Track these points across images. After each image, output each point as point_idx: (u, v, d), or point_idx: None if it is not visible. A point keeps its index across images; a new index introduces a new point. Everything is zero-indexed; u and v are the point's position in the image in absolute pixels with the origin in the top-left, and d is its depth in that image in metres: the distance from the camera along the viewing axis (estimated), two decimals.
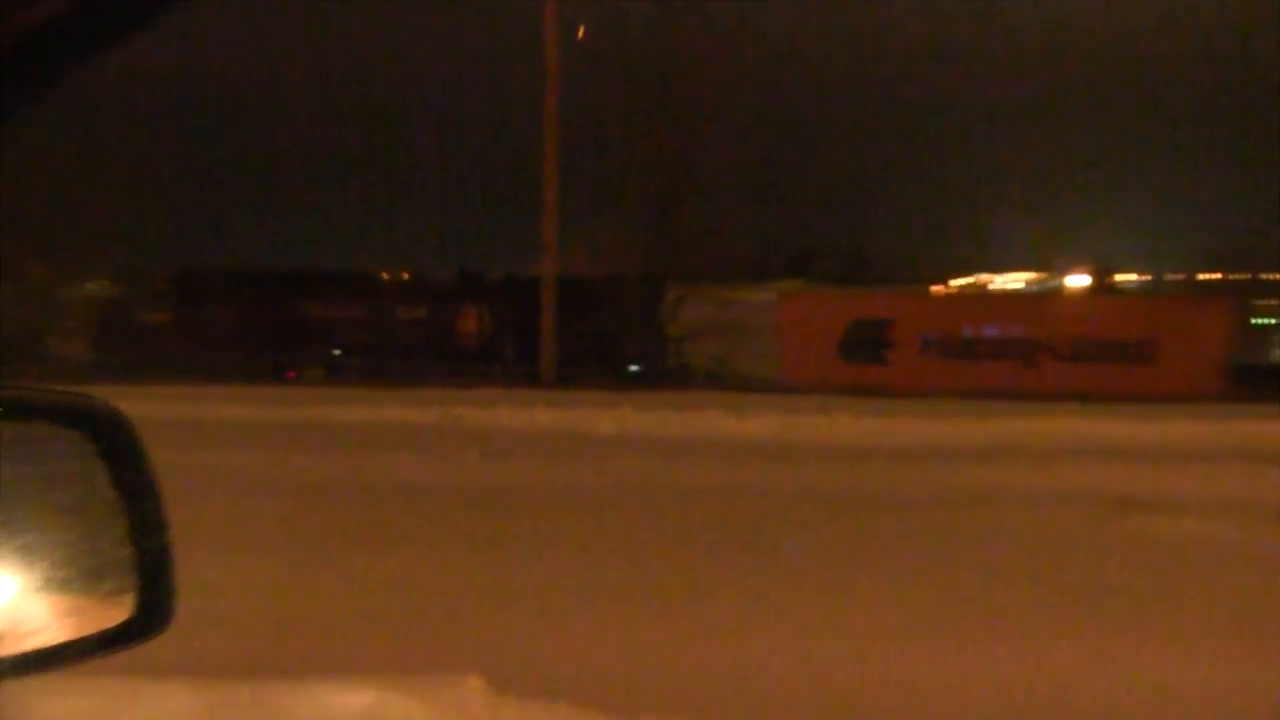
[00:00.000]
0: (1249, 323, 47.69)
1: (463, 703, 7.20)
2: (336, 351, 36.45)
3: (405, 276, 40.76)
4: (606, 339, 35.95)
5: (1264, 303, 51.61)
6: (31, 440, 1.87)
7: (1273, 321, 52.12)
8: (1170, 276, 62.74)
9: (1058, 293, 52.05)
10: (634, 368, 35.44)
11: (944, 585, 11.12)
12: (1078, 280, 55.74)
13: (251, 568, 10.28)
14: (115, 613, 1.74)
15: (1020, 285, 60.04)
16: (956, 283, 56.14)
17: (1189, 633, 9.46)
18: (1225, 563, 12.12)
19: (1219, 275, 59.03)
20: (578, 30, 37.76)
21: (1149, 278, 62.51)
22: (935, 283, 51.22)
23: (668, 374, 35.45)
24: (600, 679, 7.79)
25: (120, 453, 1.70)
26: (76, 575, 1.84)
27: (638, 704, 7.29)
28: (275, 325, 36.53)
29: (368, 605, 9.98)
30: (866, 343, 34.66)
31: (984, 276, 61.46)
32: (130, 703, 6.93)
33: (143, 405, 1.52)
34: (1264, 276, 56.23)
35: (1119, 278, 57.79)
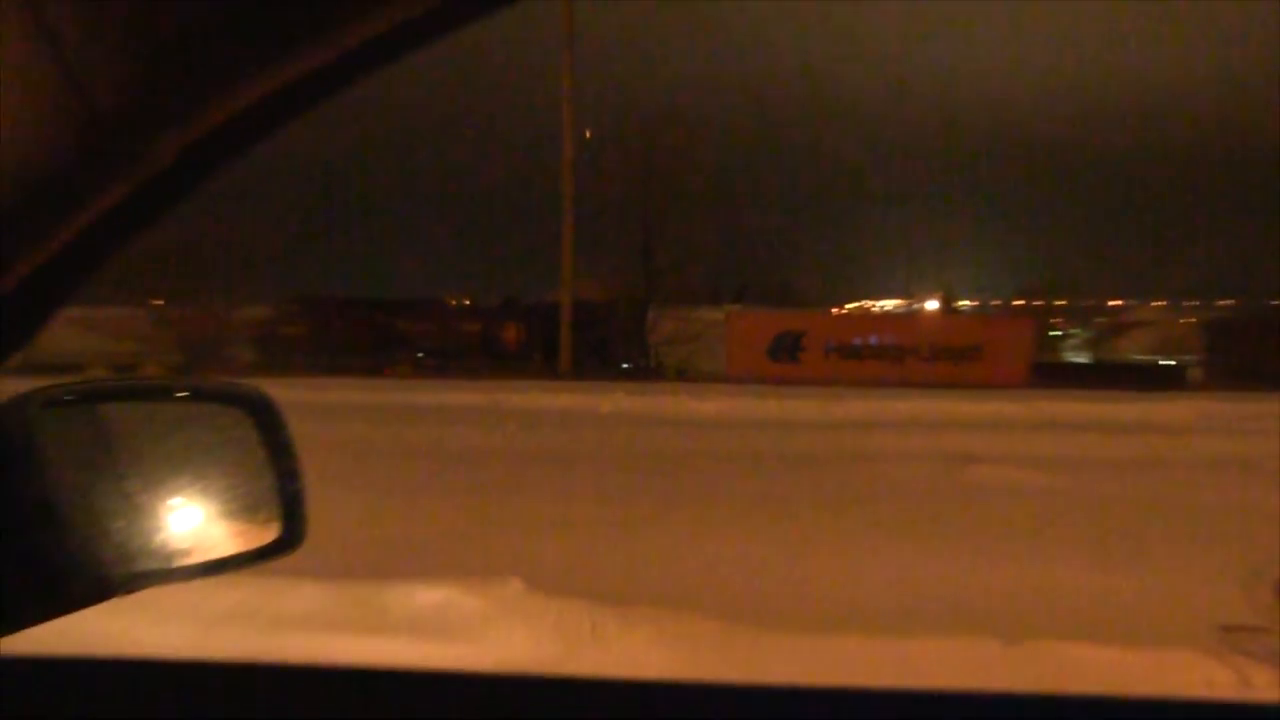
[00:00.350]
0: (1047, 333, 47.98)
1: (506, 598, 7.22)
2: (420, 354, 36.47)
3: (466, 301, 41.00)
4: (606, 345, 35.98)
5: (1055, 320, 52.34)
6: (208, 415, 1.90)
7: (1060, 333, 52.74)
8: (994, 301, 63.33)
9: (918, 313, 52.21)
10: (625, 365, 35.44)
11: (836, 515, 11.19)
12: (931, 304, 56.27)
13: (359, 504, 10.28)
14: (267, 534, 1.76)
15: (892, 307, 60.23)
16: (849, 306, 56.49)
17: (1002, 544, 9.52)
18: (1034, 497, 12.20)
19: (1025, 301, 59.71)
20: (585, 133, 37.95)
21: (979, 302, 62.97)
22: (834, 306, 51.72)
23: (649, 370, 35.59)
24: (600, 581, 7.80)
25: (268, 423, 1.73)
26: (240, 508, 1.86)
27: (628, 597, 7.31)
28: (375, 336, 36.53)
29: (438, 531, 9.99)
30: (787, 348, 34.88)
31: (868, 301, 61.77)
32: (276, 595, 6.97)
33: (284, 391, 1.54)
34: (1056, 303, 56.93)
35: (960, 302, 58.28)
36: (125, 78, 1.17)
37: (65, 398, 1.69)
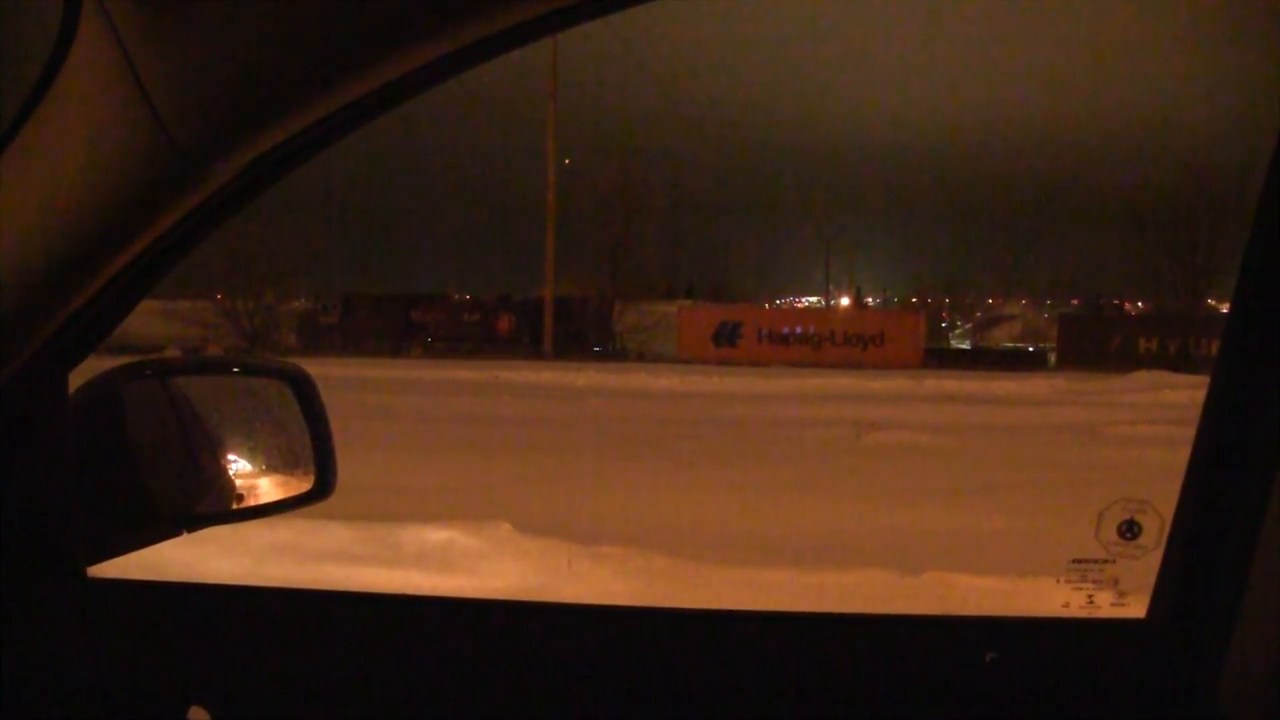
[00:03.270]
0: (939, 325, 48.31)
1: (499, 538, 7.21)
2: (429, 339, 36.39)
3: (468, 296, 40.91)
4: (581, 332, 35.98)
5: (943, 313, 52.77)
6: (257, 387, 1.90)
7: (947, 324, 53.04)
8: (894, 298, 63.67)
9: (834, 307, 52.38)
10: (596, 349, 35.45)
11: (762, 468, 11.22)
12: (844, 300, 56.44)
13: (377, 461, 10.23)
14: (304, 484, 1.76)
15: (813, 302, 60.42)
16: (779, 301, 56.71)
17: (897, 494, 9.57)
18: (924, 455, 12.27)
19: (919, 298, 60.04)
20: (565, 160, 38.02)
21: (882, 299, 63.26)
22: (766, 301, 51.91)
23: (615, 353, 35.64)
24: (574, 524, 7.79)
25: (305, 393, 1.73)
26: (283, 463, 1.86)
27: (597, 537, 7.32)
28: (394, 324, 36.48)
29: (442, 482, 9.96)
30: (728, 335, 34.93)
31: (793, 298, 62.01)
32: (311, 534, 6.93)
33: (319, 368, 1.53)
34: (944, 299, 57.21)
35: (867, 299, 58.55)
36: (200, 109, 1.17)
37: (145, 372, 1.69)
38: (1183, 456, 1.50)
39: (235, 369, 2.09)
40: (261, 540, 6.67)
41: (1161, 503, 1.72)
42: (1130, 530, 1.82)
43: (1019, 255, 55.57)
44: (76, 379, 1.49)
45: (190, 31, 1.11)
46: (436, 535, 7.21)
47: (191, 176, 1.24)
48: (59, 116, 1.17)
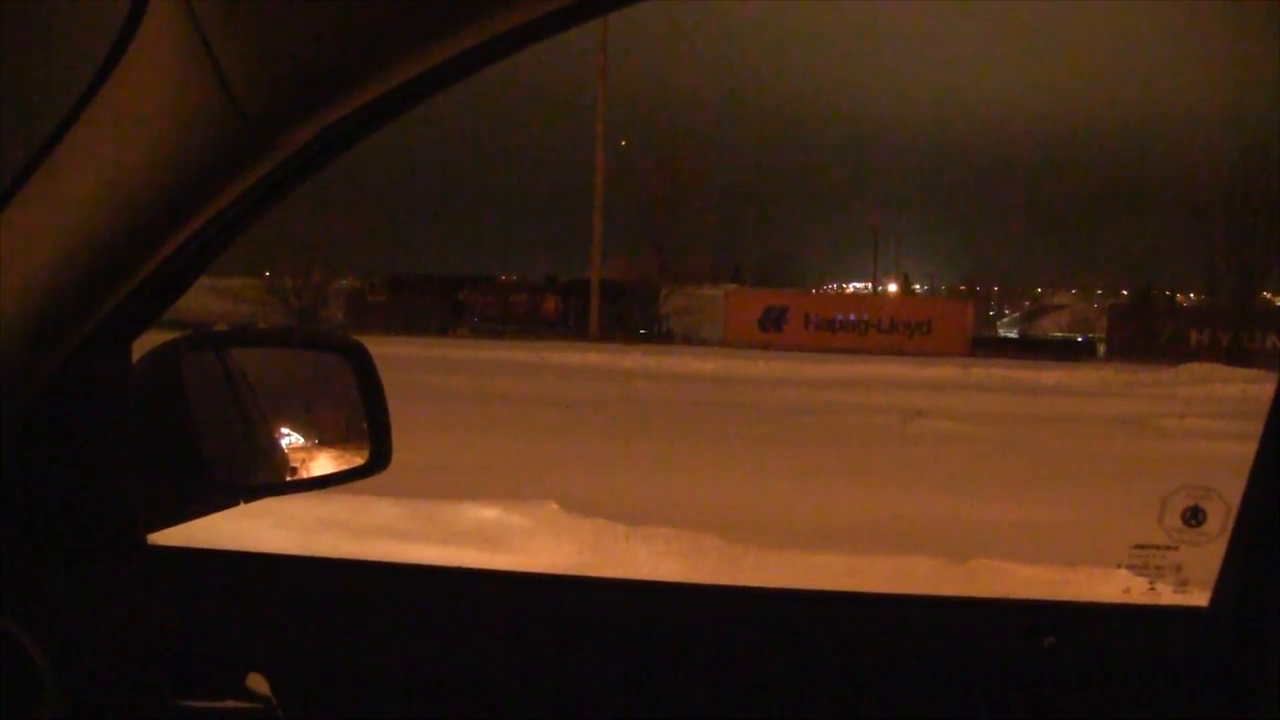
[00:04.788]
0: (985, 313, 47.98)
1: (545, 517, 7.24)
2: (476, 320, 36.54)
3: (514, 277, 41.05)
4: (627, 315, 35.89)
5: (992, 302, 52.46)
6: (314, 360, 1.90)
7: (995, 313, 52.70)
8: (942, 285, 63.27)
9: (881, 294, 52.10)
10: (642, 331, 35.39)
11: (808, 453, 11.18)
12: (892, 286, 56.15)
13: (426, 439, 10.28)
14: (358, 458, 1.76)
15: (860, 288, 60.18)
16: (826, 287, 56.51)
17: (945, 481, 9.51)
18: (970, 443, 12.18)
19: (967, 286, 59.63)
20: (621, 142, 38.14)
21: (930, 286, 62.91)
22: (813, 287, 51.69)
23: (661, 336, 35.58)
24: (620, 504, 7.79)
25: (362, 367, 1.73)
26: (338, 436, 1.86)
27: (643, 518, 7.33)
28: (441, 304, 36.65)
29: (488, 461, 10.01)
30: (774, 320, 34.78)
31: (840, 284, 61.83)
32: (362, 509, 6.98)
33: (371, 347, 1.55)
34: (993, 288, 56.79)
35: (915, 286, 58.20)
36: (268, 82, 1.16)
37: (204, 343, 1.70)
38: (1233, 450, 1.48)
39: (291, 341, 2.10)
40: (311, 515, 6.72)
41: None
42: (1195, 517, 1.79)
43: (1069, 244, 55.10)
44: (136, 350, 1.50)
45: (262, 3, 1.11)
46: (484, 514, 7.24)
47: (259, 148, 1.24)
48: (129, 87, 1.17)
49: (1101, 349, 35.44)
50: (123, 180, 1.23)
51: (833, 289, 59.27)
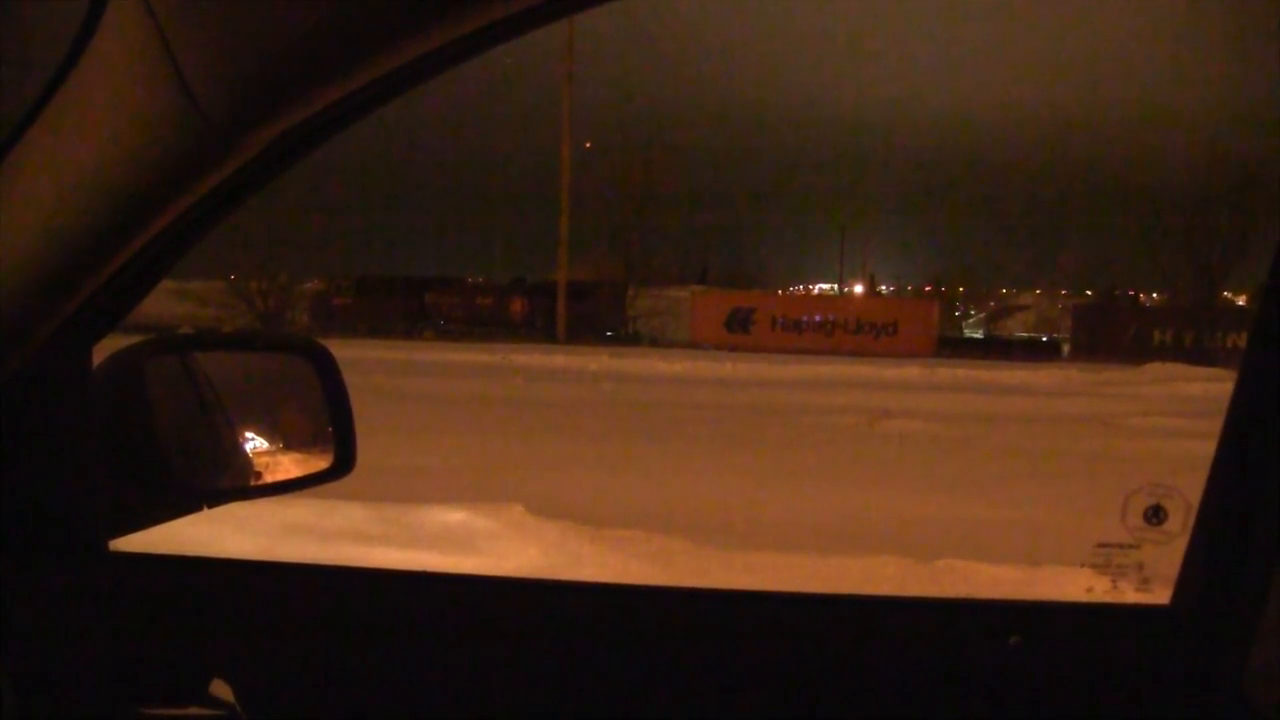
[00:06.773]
0: (952, 314, 48.25)
1: (511, 520, 7.21)
2: (442, 322, 36.45)
3: (481, 279, 41.02)
4: (594, 316, 35.89)
5: (957, 302, 52.75)
6: (277, 363, 1.88)
7: (960, 313, 52.98)
8: (909, 286, 63.57)
9: (848, 295, 52.34)
10: (609, 333, 35.43)
11: (775, 454, 11.21)
12: (858, 288, 56.39)
13: (391, 442, 10.24)
14: (323, 462, 1.74)
15: (826, 289, 60.41)
16: (792, 288, 56.70)
17: (910, 481, 9.56)
18: (937, 444, 12.24)
19: (933, 287, 59.96)
20: (585, 144, 38.16)
21: (896, 287, 63.19)
22: (779, 288, 51.88)
23: (628, 337, 35.65)
24: (587, 507, 7.79)
25: (326, 370, 1.71)
26: (302, 440, 1.85)
27: (611, 520, 7.32)
28: (408, 306, 36.56)
29: (454, 464, 9.98)
30: (740, 321, 34.93)
31: (807, 285, 62.04)
32: (328, 513, 6.95)
33: (333, 350, 1.52)
34: (958, 289, 57.11)
35: (881, 287, 58.47)
36: (230, 84, 1.16)
37: (166, 347, 1.68)
38: (1196, 449, 1.49)
39: (255, 344, 2.08)
40: (276, 519, 6.68)
41: None
42: (1156, 515, 1.81)
43: (1034, 245, 55.63)
44: (97, 355, 1.49)
45: (223, 3, 1.10)
46: (450, 517, 7.22)
47: (219, 150, 1.23)
48: (88, 87, 1.16)
49: (1066, 349, 35.80)
50: (82, 182, 1.21)
51: (799, 290, 59.56)
